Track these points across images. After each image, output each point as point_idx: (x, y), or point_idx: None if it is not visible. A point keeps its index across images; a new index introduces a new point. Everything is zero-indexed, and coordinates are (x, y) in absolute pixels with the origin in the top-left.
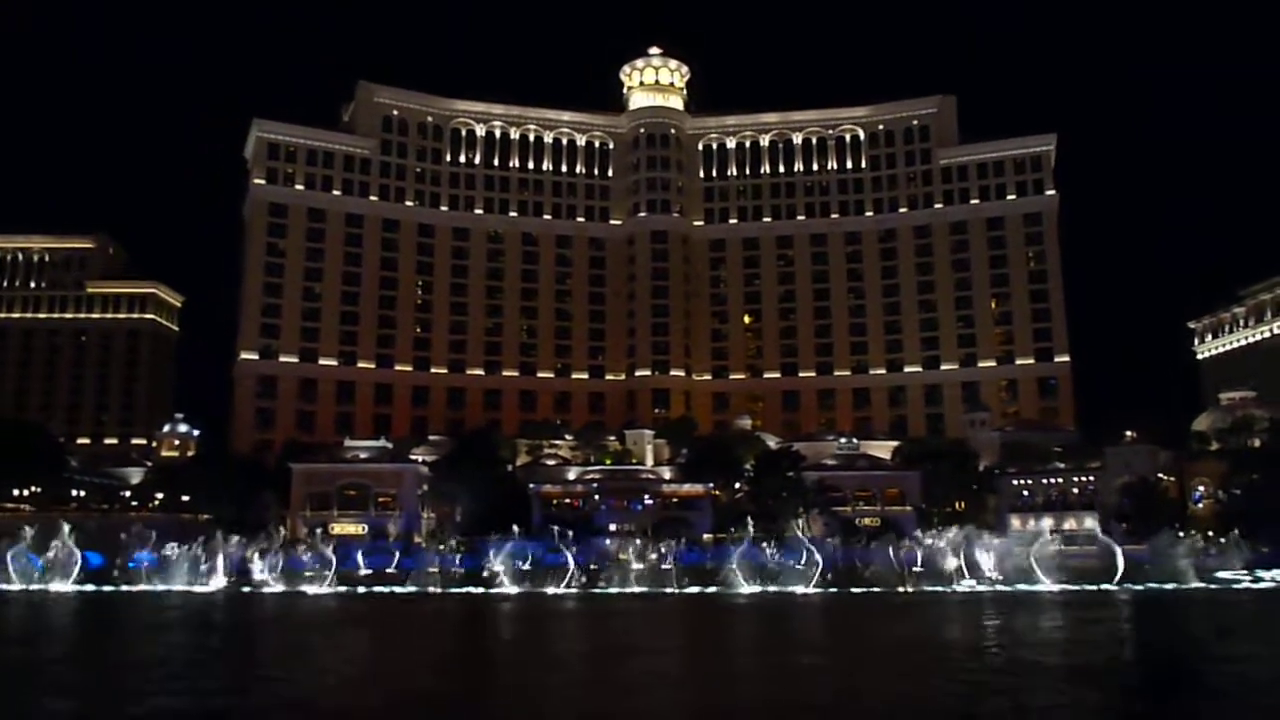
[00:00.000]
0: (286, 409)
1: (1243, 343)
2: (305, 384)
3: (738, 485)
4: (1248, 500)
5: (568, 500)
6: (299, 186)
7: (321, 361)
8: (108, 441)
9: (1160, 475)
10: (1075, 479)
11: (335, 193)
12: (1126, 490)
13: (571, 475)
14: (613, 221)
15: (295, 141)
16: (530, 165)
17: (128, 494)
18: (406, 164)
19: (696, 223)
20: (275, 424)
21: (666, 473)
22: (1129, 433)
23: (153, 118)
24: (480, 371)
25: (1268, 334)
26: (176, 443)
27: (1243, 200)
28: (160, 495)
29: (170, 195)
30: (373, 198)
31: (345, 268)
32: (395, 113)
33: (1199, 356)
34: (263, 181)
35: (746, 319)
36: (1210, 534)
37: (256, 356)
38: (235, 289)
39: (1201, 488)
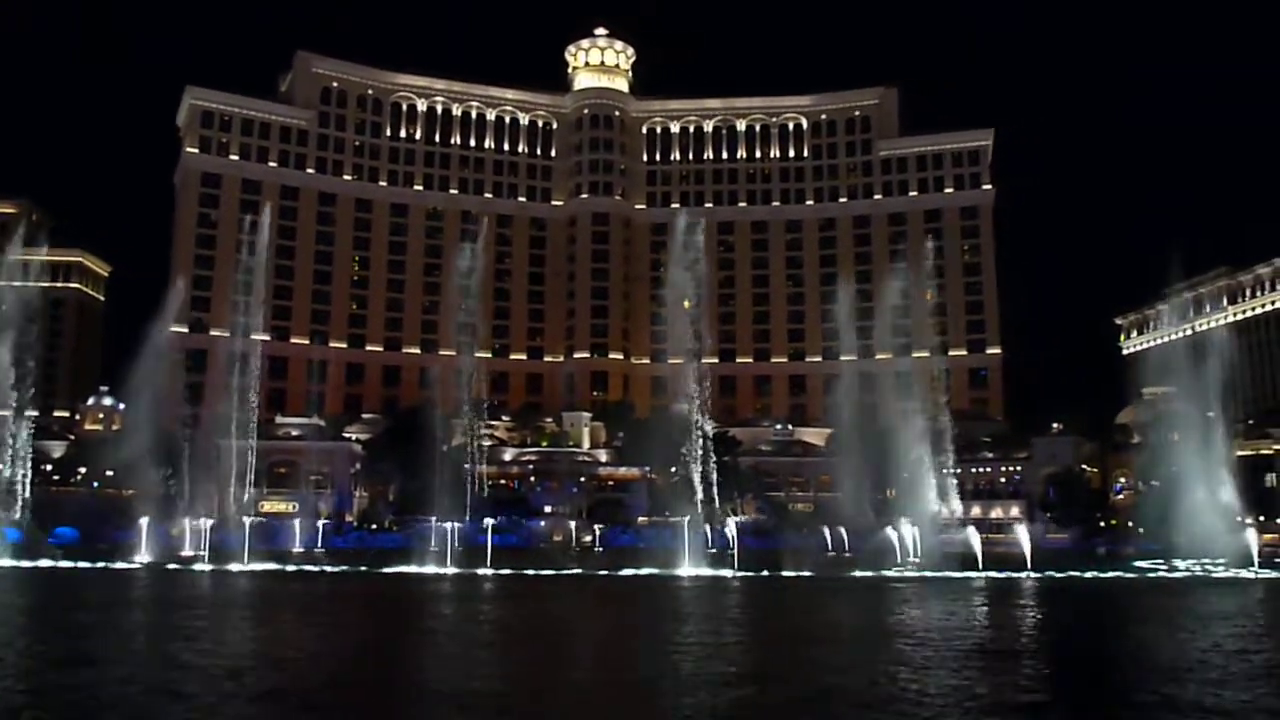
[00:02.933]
0: (216, 384)
1: (1166, 339)
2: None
3: (673, 469)
4: (1166, 492)
5: (503, 481)
6: (233, 157)
7: (253, 336)
8: (28, 414)
9: (1084, 466)
10: (1003, 469)
11: (271, 164)
12: (1051, 480)
13: (508, 456)
14: (554, 202)
15: (230, 110)
16: (472, 142)
17: (49, 468)
18: (345, 137)
19: (639, 206)
20: (204, 399)
21: (603, 455)
22: (1055, 425)
23: (80, 81)
24: (416, 350)
25: (1189, 331)
26: (101, 416)
27: (1174, 201)
28: (83, 470)
29: (97, 162)
30: (309, 170)
31: (280, 241)
32: (334, 84)
33: (1124, 352)
34: (195, 150)
35: (685, 304)
36: (1130, 524)
37: (186, 330)
38: (165, 260)
39: (1123, 479)
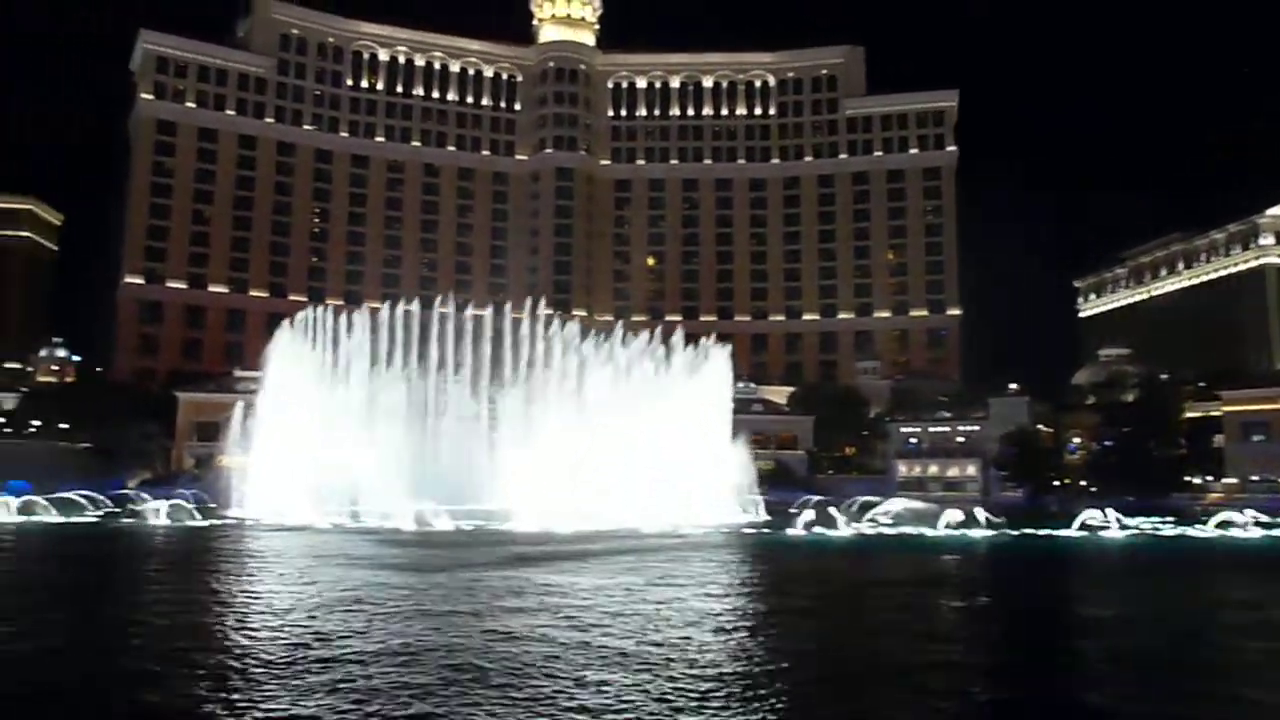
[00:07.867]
0: (172, 336)
1: (1122, 303)
2: (192, 310)
3: None
4: (1118, 452)
5: None
6: (190, 104)
7: (211, 288)
8: None
9: (1039, 427)
10: (960, 428)
11: (228, 112)
12: (1006, 440)
13: None
14: (518, 156)
15: (186, 56)
16: (434, 94)
17: (1, 420)
18: (304, 86)
19: (603, 162)
20: (160, 351)
21: None
22: (1011, 385)
23: (30, 22)
24: (376, 305)
25: (1145, 295)
26: (54, 368)
27: (1134, 167)
28: (37, 422)
29: (51, 109)
30: (268, 119)
31: (237, 191)
32: (294, 31)
33: (1081, 315)
34: (150, 97)
35: (649, 261)
36: (1083, 483)
37: (142, 281)
38: (120, 209)
39: (1076, 439)
